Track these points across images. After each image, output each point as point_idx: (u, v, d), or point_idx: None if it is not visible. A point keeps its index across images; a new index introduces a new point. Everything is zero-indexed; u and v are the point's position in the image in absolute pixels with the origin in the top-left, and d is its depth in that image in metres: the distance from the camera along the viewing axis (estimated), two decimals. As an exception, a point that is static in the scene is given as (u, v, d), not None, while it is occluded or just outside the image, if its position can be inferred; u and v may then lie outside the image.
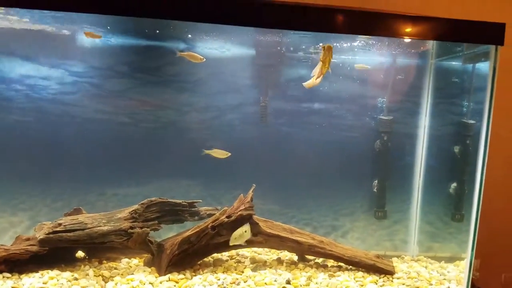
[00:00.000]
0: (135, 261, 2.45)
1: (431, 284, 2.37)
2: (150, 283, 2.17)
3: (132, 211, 2.30)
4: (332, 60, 1.96)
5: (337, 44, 2.47)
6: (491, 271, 2.43)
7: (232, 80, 2.67)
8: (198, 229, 2.31)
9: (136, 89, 2.62)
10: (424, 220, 2.84)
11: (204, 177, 2.68)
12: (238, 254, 2.58)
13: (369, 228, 2.86)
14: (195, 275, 2.27)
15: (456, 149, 2.75)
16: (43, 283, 2.07)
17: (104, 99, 2.59)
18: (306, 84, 2.06)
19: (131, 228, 2.24)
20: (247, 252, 2.62)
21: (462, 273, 2.36)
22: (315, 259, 2.55)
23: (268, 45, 2.61)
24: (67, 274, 2.17)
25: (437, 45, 2.51)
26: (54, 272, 2.18)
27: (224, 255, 2.52)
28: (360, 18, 2.02)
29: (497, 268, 2.49)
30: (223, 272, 2.33)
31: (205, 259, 2.41)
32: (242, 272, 2.37)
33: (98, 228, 2.21)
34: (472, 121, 2.67)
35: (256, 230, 2.35)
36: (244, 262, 2.49)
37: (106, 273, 2.24)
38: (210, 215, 2.43)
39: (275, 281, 2.24)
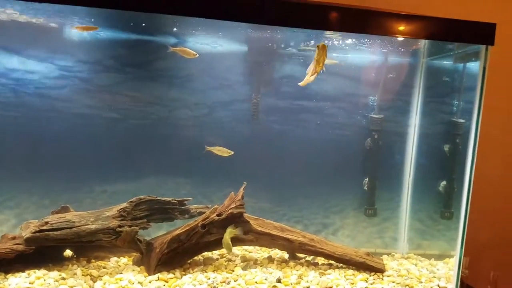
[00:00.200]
0: (124, 260, 2.42)
1: (421, 282, 2.39)
2: (139, 282, 2.14)
3: (120, 209, 2.26)
4: (326, 59, 1.96)
5: (329, 42, 2.46)
6: (480, 269, 2.46)
7: (224, 76, 2.64)
8: (188, 228, 2.29)
9: (125, 84, 2.57)
10: (414, 218, 2.86)
11: (195, 174, 2.65)
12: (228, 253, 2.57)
13: (360, 226, 2.87)
14: (185, 274, 2.25)
15: (446, 147, 2.78)
16: (30, 283, 2.03)
17: (92, 94, 2.54)
18: (301, 83, 2.08)
19: (120, 226, 2.21)
20: (237, 250, 2.61)
21: (452, 271, 2.38)
22: (305, 257, 2.55)
23: (260, 41, 2.58)
24: (54, 274, 2.14)
25: (428, 44, 2.52)
26: (41, 272, 2.14)
27: (215, 254, 2.51)
28: (352, 16, 2.02)
29: (486, 266, 2.53)
30: (213, 271, 2.31)
31: (195, 257, 2.39)
32: (233, 271, 2.35)
33: (86, 226, 2.18)
34: (462, 120, 2.69)
35: (247, 228, 2.34)
36: (234, 261, 2.48)
37: (94, 272, 2.21)
38: (200, 213, 2.41)
39: (266, 279, 2.23)
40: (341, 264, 2.47)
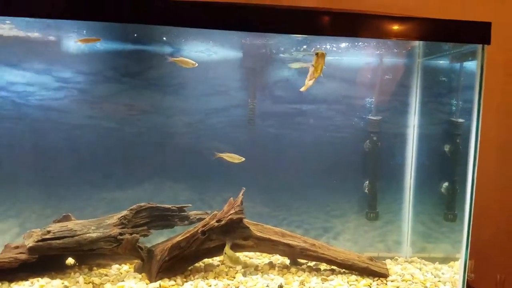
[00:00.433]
0: (125, 267, 2.43)
1: (426, 287, 2.35)
2: (140, 289, 2.15)
3: (121, 217, 2.28)
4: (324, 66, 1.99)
5: (324, 46, 2.48)
6: (486, 272, 2.41)
7: (219, 83, 2.67)
8: (188, 234, 2.30)
9: (122, 94, 2.62)
10: (416, 221, 2.81)
11: (193, 180, 2.66)
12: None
13: (361, 230, 2.84)
14: (186, 281, 2.25)
15: (446, 148, 2.74)
16: (33, 292, 2.06)
17: (90, 104, 2.59)
18: (302, 89, 2.12)
19: (121, 234, 2.23)
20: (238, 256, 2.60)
21: (457, 275, 2.33)
22: (307, 262, 2.52)
23: (255, 47, 2.61)
24: (57, 282, 2.16)
25: (423, 44, 2.52)
26: (44, 280, 2.16)
27: (215, 260, 2.50)
28: (347, 20, 2.04)
29: (492, 269, 2.47)
30: (214, 278, 2.31)
31: (196, 264, 2.39)
32: (234, 277, 2.34)
33: (88, 235, 2.20)
34: (461, 120, 2.66)
35: (246, 234, 2.34)
36: (235, 267, 2.47)
37: (96, 280, 2.22)
38: (200, 220, 2.42)
39: (267, 286, 2.22)
40: (343, 270, 2.43)
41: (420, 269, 2.63)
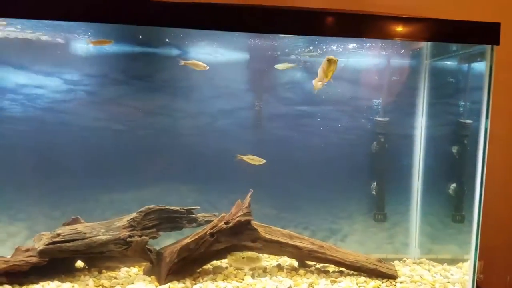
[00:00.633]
0: (134, 269, 2.44)
1: (435, 288, 2.35)
2: (150, 292, 2.16)
3: (130, 219, 2.29)
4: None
5: (332, 48, 2.48)
6: (495, 273, 2.40)
7: (226, 85, 2.67)
8: (196, 237, 2.30)
9: (131, 96, 2.63)
10: (424, 222, 2.81)
11: (200, 182, 2.67)
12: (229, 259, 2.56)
13: (369, 231, 2.83)
14: (195, 283, 2.25)
15: (454, 149, 2.73)
16: (44, 295, 2.08)
17: (99, 106, 2.60)
18: (315, 91, 2.12)
19: (130, 237, 2.24)
20: (247, 258, 2.60)
21: (466, 275, 2.32)
22: (315, 264, 2.53)
23: (261, 49, 2.62)
24: (67, 285, 2.17)
25: (431, 45, 2.51)
26: (54, 284, 2.18)
27: (224, 262, 2.50)
28: (356, 21, 2.03)
29: (500, 270, 2.46)
30: (223, 280, 2.31)
31: (205, 266, 2.40)
32: (242, 279, 2.35)
33: (97, 237, 2.21)
34: (469, 121, 2.65)
35: (254, 236, 2.34)
36: (244, 269, 2.48)
37: (106, 283, 2.23)
38: (208, 222, 2.42)
39: (276, 288, 2.22)
40: (352, 271, 2.43)
41: (428, 270, 2.62)
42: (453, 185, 2.76)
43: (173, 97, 2.66)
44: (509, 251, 2.82)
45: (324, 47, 2.50)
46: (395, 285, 2.35)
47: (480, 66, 2.23)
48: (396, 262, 2.69)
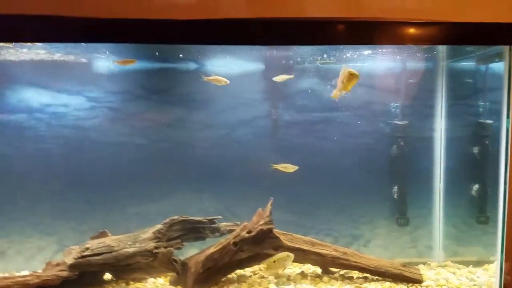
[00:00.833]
0: (160, 280, 2.48)
1: (461, 291, 2.32)
2: (177, 302, 2.19)
3: (155, 231, 2.34)
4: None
5: (347, 54, 2.50)
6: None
7: (243, 96, 2.72)
8: (220, 246, 2.33)
9: (151, 110, 2.69)
10: (448, 224, 2.77)
11: (220, 191, 2.71)
12: (261, 269, 2.57)
13: (391, 236, 2.81)
14: (220, 293, 2.29)
15: (475, 150, 2.70)
16: (76, 308, 2.13)
17: (121, 122, 2.68)
18: (335, 98, 2.13)
19: (156, 248, 2.28)
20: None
21: (493, 278, 2.28)
22: (339, 271, 2.52)
23: (276, 59, 2.66)
24: (96, 297, 2.23)
25: (447, 47, 2.49)
26: (84, 296, 2.24)
27: (247, 271, 2.53)
28: (372, 28, 2.04)
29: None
30: (247, 288, 2.34)
31: (229, 275, 2.42)
32: None
33: (125, 250, 2.26)
34: (489, 121, 2.62)
35: (277, 244, 2.35)
36: (267, 278, 2.49)
37: (133, 295, 2.29)
38: (230, 231, 2.45)
39: (301, 295, 2.23)
40: (377, 277, 2.42)
41: (454, 273, 2.59)
42: (476, 186, 2.72)
43: (192, 109, 2.72)
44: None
45: (337, 54, 2.51)
46: (421, 290, 2.33)
47: (498, 66, 2.21)
48: (420, 266, 2.66)
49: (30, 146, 2.61)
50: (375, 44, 2.17)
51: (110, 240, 2.33)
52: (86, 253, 2.24)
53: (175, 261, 2.34)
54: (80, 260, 2.22)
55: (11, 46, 2.28)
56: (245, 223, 2.39)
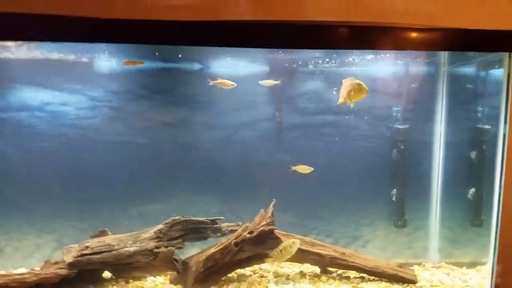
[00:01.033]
0: (160, 279, 2.49)
1: (454, 291, 2.39)
2: (177, 301, 2.21)
3: (157, 230, 2.34)
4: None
5: (349, 58, 2.50)
6: (514, 276, 2.43)
7: (246, 98, 2.71)
8: (221, 246, 2.35)
9: (153, 110, 2.67)
10: (444, 227, 2.84)
11: (223, 192, 2.72)
12: (260, 269, 2.61)
13: (389, 237, 2.87)
14: (220, 292, 2.31)
15: (473, 154, 2.76)
16: (75, 306, 2.12)
17: (122, 121, 2.65)
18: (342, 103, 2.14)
19: (157, 247, 2.28)
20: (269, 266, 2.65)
21: (484, 279, 2.36)
22: (337, 270, 2.57)
23: (280, 61, 2.65)
24: (96, 296, 2.23)
25: (449, 52, 2.53)
26: (83, 294, 2.23)
27: (247, 270, 2.55)
28: (375, 33, 2.05)
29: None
30: (247, 288, 2.37)
31: (229, 275, 2.44)
32: (266, 287, 2.39)
33: (125, 249, 2.26)
34: (488, 126, 2.68)
35: (278, 245, 2.38)
36: (267, 277, 2.52)
37: (133, 293, 2.29)
38: (232, 231, 2.46)
39: (300, 294, 2.27)
40: (373, 277, 2.48)
41: (448, 274, 2.66)
42: (472, 190, 2.78)
43: (195, 110, 2.70)
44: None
45: (338, 59, 2.52)
46: (415, 290, 2.39)
47: (498, 73, 2.24)
48: (415, 267, 2.72)
49: (29, 145, 2.57)
50: (376, 49, 2.18)
51: (110, 239, 2.32)
52: (86, 251, 2.23)
53: (176, 260, 2.35)
54: (80, 258, 2.21)
55: (13, 44, 2.23)
56: (247, 224, 2.41)
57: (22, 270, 2.36)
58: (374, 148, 2.78)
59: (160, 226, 2.36)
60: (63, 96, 2.58)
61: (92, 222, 2.57)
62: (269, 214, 2.39)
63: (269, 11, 1.90)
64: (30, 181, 2.57)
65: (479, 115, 2.75)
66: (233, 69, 2.63)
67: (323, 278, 2.51)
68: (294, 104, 2.76)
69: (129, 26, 1.85)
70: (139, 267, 2.37)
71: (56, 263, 2.29)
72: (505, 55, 2.15)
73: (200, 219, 2.46)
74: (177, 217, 2.40)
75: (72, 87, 2.59)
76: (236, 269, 2.44)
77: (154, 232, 2.33)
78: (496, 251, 2.23)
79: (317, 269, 2.59)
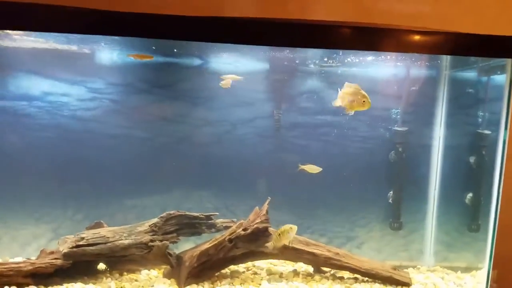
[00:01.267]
0: (154, 272, 2.51)
1: (448, 296, 2.38)
2: (170, 295, 2.22)
3: (152, 224, 2.35)
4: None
5: (350, 59, 2.49)
6: (509, 283, 2.41)
7: (246, 94, 2.72)
8: (215, 242, 2.36)
9: (154, 104, 2.69)
10: (440, 231, 2.83)
11: (219, 188, 2.73)
12: (254, 266, 2.62)
13: (385, 239, 2.86)
14: (213, 287, 2.32)
15: (472, 159, 2.74)
16: (68, 296, 2.15)
17: (122, 114, 2.66)
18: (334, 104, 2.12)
19: (152, 241, 2.30)
20: (263, 263, 2.65)
21: (479, 284, 2.35)
22: (331, 270, 2.57)
23: (280, 59, 2.65)
24: (90, 287, 2.24)
25: (451, 56, 2.51)
26: (78, 285, 2.25)
27: (241, 267, 2.56)
28: (377, 35, 2.04)
29: (515, 280, 2.47)
30: (240, 284, 2.37)
31: (223, 271, 2.45)
32: (259, 284, 2.40)
33: (120, 241, 2.28)
34: (487, 132, 2.66)
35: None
36: (260, 274, 2.53)
37: (127, 285, 2.30)
38: (226, 228, 2.48)
39: (292, 293, 2.27)
40: (367, 278, 2.47)
41: (442, 278, 2.65)
42: (470, 195, 2.77)
43: (194, 105, 2.71)
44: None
45: (338, 59, 2.51)
46: (409, 293, 2.39)
47: (499, 78, 2.23)
48: (410, 270, 2.72)
49: (28, 135, 2.59)
50: (378, 51, 2.16)
51: (105, 231, 2.33)
52: (81, 242, 2.25)
53: (170, 254, 2.37)
54: (75, 249, 2.23)
55: (15, 34, 2.24)
56: (242, 221, 2.42)
57: (19, 259, 2.39)
58: (372, 149, 2.78)
59: (155, 220, 2.37)
60: (62, 86, 2.59)
61: (89, 213, 2.59)
62: (264, 212, 2.40)
63: (273, 10, 1.91)
64: (30, 171, 2.59)
65: (479, 120, 2.73)
66: (233, 65, 2.64)
67: (317, 277, 2.51)
68: (293, 103, 2.76)
69: (133, 20, 1.86)
70: (133, 260, 2.39)
71: (52, 253, 2.31)
72: (508, 61, 2.14)
73: (195, 214, 2.47)
74: (172, 212, 2.41)
75: (72, 78, 2.60)
76: (230, 265, 2.45)
77: (149, 226, 2.34)
78: (492, 256, 2.22)
79: (310, 268, 2.60)
